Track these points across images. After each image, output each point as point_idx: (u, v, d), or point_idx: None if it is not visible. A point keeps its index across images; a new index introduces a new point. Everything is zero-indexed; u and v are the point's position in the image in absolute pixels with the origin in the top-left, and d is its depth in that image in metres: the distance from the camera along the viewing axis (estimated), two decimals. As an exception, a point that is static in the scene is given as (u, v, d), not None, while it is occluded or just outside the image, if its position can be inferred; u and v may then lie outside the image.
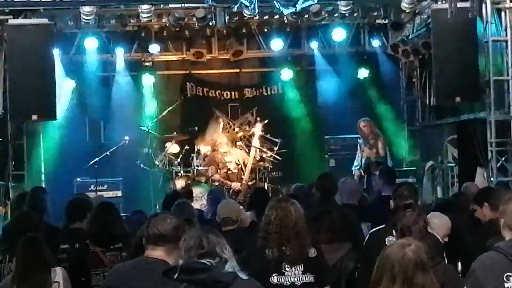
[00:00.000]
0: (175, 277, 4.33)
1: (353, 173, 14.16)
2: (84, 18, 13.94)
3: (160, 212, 5.95)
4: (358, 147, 14.39)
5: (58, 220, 9.31)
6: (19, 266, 6.09)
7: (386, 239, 5.89)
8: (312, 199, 9.59)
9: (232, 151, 14.75)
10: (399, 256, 4.21)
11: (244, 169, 14.44)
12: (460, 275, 6.00)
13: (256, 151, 14.71)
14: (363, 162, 14.10)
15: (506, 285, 4.76)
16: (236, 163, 14.46)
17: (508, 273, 4.73)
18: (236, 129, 15.74)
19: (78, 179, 14.98)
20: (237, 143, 15.28)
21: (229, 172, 14.20)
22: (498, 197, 7.23)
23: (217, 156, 14.34)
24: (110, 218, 7.18)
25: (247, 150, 15.10)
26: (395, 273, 4.18)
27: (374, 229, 6.70)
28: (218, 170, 14.22)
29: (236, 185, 13.80)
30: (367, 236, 6.74)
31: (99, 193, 13.53)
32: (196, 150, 15.10)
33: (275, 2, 10.77)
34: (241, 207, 9.60)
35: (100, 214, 7.28)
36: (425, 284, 4.19)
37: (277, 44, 16.38)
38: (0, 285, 6.33)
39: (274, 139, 14.97)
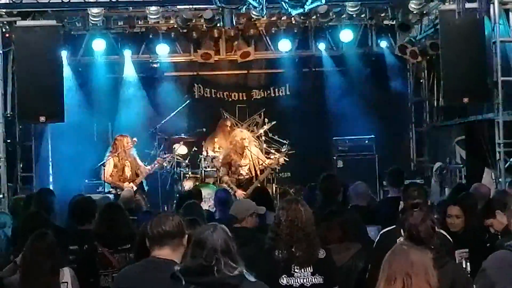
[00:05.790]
0: (183, 280, 4.33)
1: None
2: (92, 20, 13.98)
3: (160, 211, 5.93)
4: None
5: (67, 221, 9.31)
6: (25, 262, 6.07)
7: (397, 240, 5.85)
8: (315, 200, 9.55)
9: (250, 148, 14.19)
10: (400, 255, 4.17)
11: (254, 179, 14.16)
12: (469, 275, 5.98)
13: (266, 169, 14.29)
14: None
15: (516, 283, 4.74)
16: (249, 169, 14.18)
17: (518, 272, 4.72)
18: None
19: (86, 181, 15.02)
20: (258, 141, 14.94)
21: (240, 177, 14.02)
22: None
23: (232, 157, 14.07)
24: (117, 219, 7.16)
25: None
26: (394, 271, 4.12)
27: (385, 230, 6.68)
28: (229, 172, 14.06)
29: (240, 193, 13.68)
30: (378, 237, 6.72)
31: (107, 194, 13.55)
32: (205, 151, 15.04)
33: (283, 3, 10.73)
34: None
35: (107, 215, 7.27)
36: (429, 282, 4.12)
37: (284, 45, 16.38)
38: (7, 283, 6.33)
39: (282, 140, 14.88)
